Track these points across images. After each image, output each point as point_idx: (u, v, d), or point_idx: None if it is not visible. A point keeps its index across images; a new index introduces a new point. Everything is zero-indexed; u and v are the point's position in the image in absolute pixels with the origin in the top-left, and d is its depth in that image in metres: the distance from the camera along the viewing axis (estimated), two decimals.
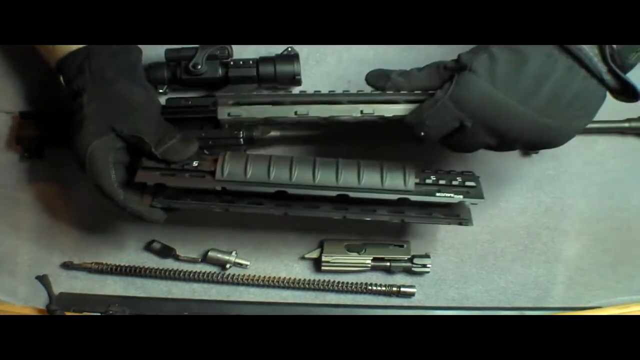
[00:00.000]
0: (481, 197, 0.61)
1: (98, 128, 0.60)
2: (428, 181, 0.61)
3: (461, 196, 0.61)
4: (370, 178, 0.60)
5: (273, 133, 0.72)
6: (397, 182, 0.60)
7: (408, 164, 0.62)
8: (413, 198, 0.61)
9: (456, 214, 0.63)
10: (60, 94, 0.64)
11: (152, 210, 0.63)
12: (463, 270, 0.75)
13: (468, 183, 0.62)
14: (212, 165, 0.61)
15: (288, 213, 0.62)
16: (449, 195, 0.61)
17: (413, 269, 0.73)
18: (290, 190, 0.60)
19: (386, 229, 0.75)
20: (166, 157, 0.60)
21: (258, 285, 0.76)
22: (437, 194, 0.61)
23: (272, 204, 0.62)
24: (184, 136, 0.62)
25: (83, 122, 0.60)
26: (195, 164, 0.61)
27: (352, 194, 0.60)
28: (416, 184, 0.61)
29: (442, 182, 0.61)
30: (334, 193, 0.60)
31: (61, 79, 0.63)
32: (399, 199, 0.61)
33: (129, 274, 0.76)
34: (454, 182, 0.61)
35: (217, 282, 0.76)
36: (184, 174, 0.61)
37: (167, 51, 0.70)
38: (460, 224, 0.62)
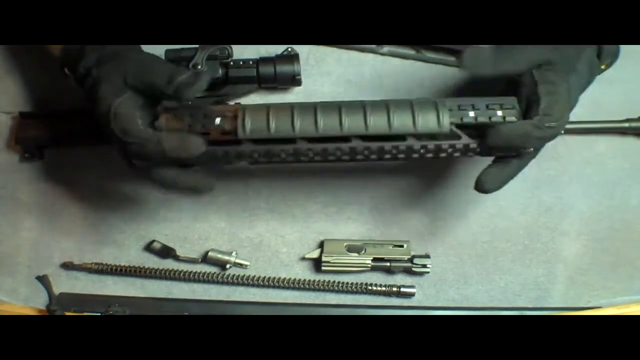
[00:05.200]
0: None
1: (114, 88, 0.58)
2: (466, 120, 0.57)
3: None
4: (402, 120, 0.57)
5: None
6: (430, 122, 0.56)
7: (440, 100, 0.58)
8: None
9: None
10: (64, 90, 0.63)
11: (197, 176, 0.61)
12: (463, 270, 0.75)
13: (509, 119, 0.57)
14: (233, 123, 0.58)
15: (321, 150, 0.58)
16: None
17: (413, 269, 0.73)
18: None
19: (386, 228, 0.75)
20: (179, 94, 0.58)
21: (258, 286, 0.75)
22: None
23: (304, 142, 0.58)
24: (194, 72, 0.60)
25: (99, 89, 0.58)
26: (217, 121, 0.58)
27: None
28: (451, 123, 0.57)
29: (481, 119, 0.57)
30: (362, 145, 0.57)
31: (66, 70, 0.63)
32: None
33: (129, 274, 0.76)
34: (494, 119, 0.57)
35: (217, 283, 0.76)
36: (206, 136, 0.58)
37: (167, 51, 0.70)
38: None
